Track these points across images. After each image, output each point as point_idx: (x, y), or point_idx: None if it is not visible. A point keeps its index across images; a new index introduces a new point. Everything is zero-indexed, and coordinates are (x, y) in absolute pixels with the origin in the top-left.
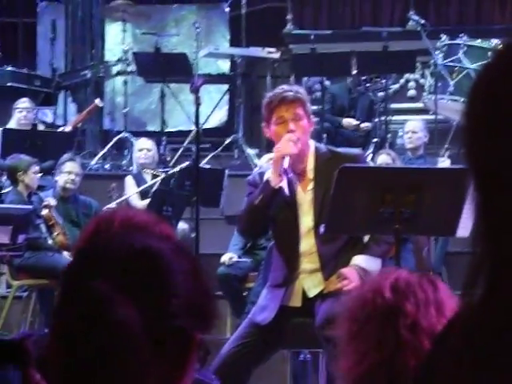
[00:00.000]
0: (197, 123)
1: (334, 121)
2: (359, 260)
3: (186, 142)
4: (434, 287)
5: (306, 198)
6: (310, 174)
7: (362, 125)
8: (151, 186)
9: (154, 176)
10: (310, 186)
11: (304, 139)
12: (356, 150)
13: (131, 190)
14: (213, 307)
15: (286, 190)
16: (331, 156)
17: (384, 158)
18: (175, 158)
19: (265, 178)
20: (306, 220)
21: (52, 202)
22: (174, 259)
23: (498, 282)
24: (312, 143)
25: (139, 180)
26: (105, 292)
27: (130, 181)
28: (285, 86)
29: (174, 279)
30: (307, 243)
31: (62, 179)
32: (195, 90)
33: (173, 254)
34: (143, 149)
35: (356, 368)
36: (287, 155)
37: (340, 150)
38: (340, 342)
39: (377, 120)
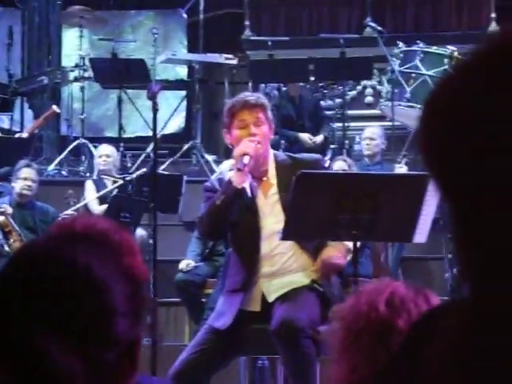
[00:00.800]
0: (154, 129)
1: (289, 135)
2: (332, 250)
3: (149, 148)
4: (429, 304)
5: (267, 202)
6: (272, 179)
7: (315, 139)
8: (110, 192)
9: (115, 182)
10: (272, 190)
11: (265, 144)
12: (315, 156)
13: (90, 194)
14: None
15: (249, 192)
16: (291, 162)
17: (340, 165)
18: (136, 164)
19: (227, 177)
20: (267, 224)
21: (8, 209)
22: (107, 274)
23: (477, 288)
24: (270, 150)
25: (99, 185)
26: (42, 346)
27: (89, 185)
28: (247, 93)
29: (111, 298)
30: (267, 246)
31: (18, 185)
32: (152, 96)
33: (106, 267)
34: (102, 155)
35: (348, 377)
36: (247, 153)
37: (299, 155)
38: (333, 349)
39: (334, 126)
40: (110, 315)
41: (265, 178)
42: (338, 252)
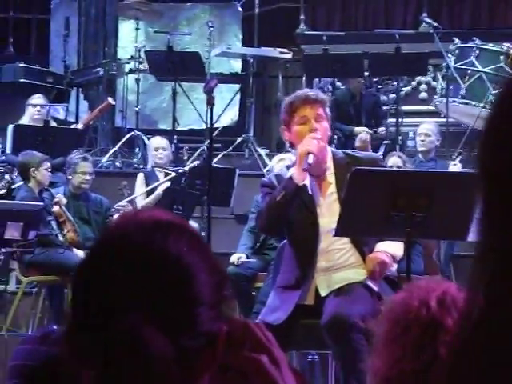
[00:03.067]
0: (211, 123)
1: (344, 129)
2: (384, 246)
3: (206, 142)
4: None
5: (325, 201)
6: (330, 178)
7: (378, 130)
8: (162, 184)
9: (167, 175)
10: (330, 189)
11: (326, 140)
12: (374, 154)
13: (139, 188)
14: (230, 299)
15: (309, 189)
16: (349, 160)
17: (395, 161)
18: (193, 157)
19: (288, 174)
20: (324, 222)
21: (63, 199)
22: (195, 263)
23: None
24: (328, 148)
25: (151, 178)
26: (134, 327)
27: (139, 179)
28: (305, 89)
29: (198, 287)
30: (324, 242)
31: (76, 179)
32: (209, 91)
33: (194, 256)
34: (159, 148)
35: (387, 370)
36: (311, 152)
37: (357, 153)
38: (377, 340)
39: (388, 122)
40: (195, 304)
41: (324, 177)
42: (385, 252)
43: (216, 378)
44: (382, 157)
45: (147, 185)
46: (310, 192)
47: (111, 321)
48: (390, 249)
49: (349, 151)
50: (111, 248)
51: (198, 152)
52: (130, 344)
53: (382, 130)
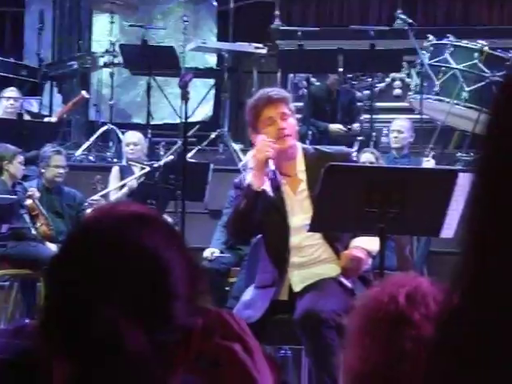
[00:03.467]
0: (185, 118)
1: (319, 126)
2: (360, 242)
3: (192, 131)
4: None
5: (296, 198)
6: (301, 175)
7: (352, 126)
8: (135, 179)
9: (142, 169)
10: (301, 187)
11: (296, 136)
12: (345, 149)
13: (113, 181)
14: (207, 293)
15: (270, 192)
16: (320, 156)
17: (368, 157)
18: (170, 152)
19: (246, 182)
20: (297, 220)
21: (36, 193)
22: (171, 257)
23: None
24: (299, 145)
25: (126, 172)
26: (110, 322)
27: (114, 172)
28: (267, 88)
29: (174, 281)
30: (297, 239)
31: (49, 173)
32: (184, 85)
33: (170, 249)
34: (130, 143)
35: (359, 365)
36: (269, 157)
37: (327, 149)
38: (349, 336)
39: (362, 118)
40: (171, 298)
41: (294, 174)
42: (360, 248)
43: (188, 366)
44: (353, 152)
45: (122, 179)
46: (271, 194)
47: (86, 315)
48: (366, 245)
49: (319, 147)
50: (86, 240)
51: (175, 147)
52: (106, 338)
53: (356, 126)
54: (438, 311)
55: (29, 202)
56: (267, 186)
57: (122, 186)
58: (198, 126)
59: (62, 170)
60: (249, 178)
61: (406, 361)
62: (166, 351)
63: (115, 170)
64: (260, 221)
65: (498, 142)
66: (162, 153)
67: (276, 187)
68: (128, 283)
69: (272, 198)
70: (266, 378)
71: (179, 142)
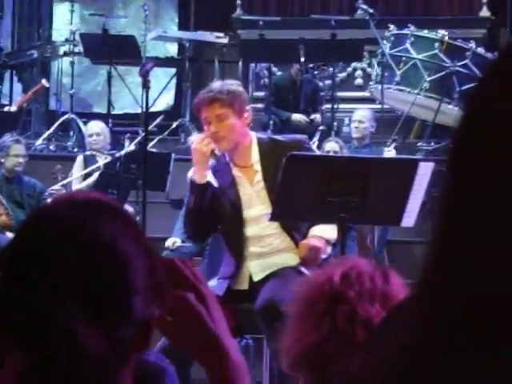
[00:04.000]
0: (146, 107)
1: (281, 115)
2: (318, 231)
3: (157, 121)
4: (386, 280)
5: (253, 189)
6: (256, 166)
7: (313, 116)
8: (98, 168)
9: (106, 159)
10: (257, 177)
11: (234, 137)
12: (298, 136)
13: (77, 170)
14: (168, 291)
15: (214, 182)
16: (274, 145)
17: (332, 146)
18: (134, 142)
19: (188, 177)
20: (254, 211)
21: None
22: (130, 248)
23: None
24: (253, 135)
25: (90, 162)
26: (66, 321)
27: (78, 162)
28: (213, 84)
29: (133, 274)
30: (256, 229)
31: (9, 162)
32: (144, 74)
33: (128, 240)
34: (93, 134)
35: (294, 346)
36: (204, 152)
37: (281, 137)
38: (287, 319)
39: (323, 108)
40: (130, 291)
41: (250, 165)
42: (319, 237)
43: None
44: (307, 139)
45: (86, 168)
46: (215, 185)
47: (40, 310)
48: (324, 233)
49: (274, 136)
50: (40, 229)
51: (138, 139)
52: (62, 337)
53: (318, 117)
54: (374, 289)
55: None
56: (211, 178)
57: (85, 176)
58: (162, 116)
59: (21, 159)
60: (190, 173)
61: (339, 338)
62: (123, 347)
63: (79, 159)
64: (215, 214)
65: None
66: (127, 143)
67: (230, 181)
68: (85, 279)
69: (227, 192)
70: (222, 327)
71: (143, 133)
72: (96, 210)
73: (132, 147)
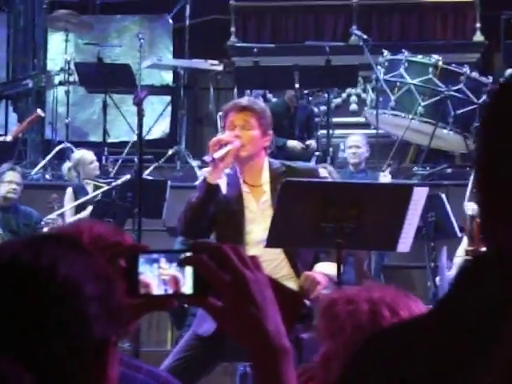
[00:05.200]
0: (140, 135)
1: (277, 141)
2: (323, 267)
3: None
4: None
5: (258, 208)
6: (265, 187)
7: (308, 142)
8: (93, 197)
9: (96, 187)
10: (264, 197)
11: (252, 149)
12: (311, 166)
13: (68, 203)
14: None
15: (223, 189)
16: (286, 169)
17: (321, 172)
18: (115, 168)
19: (202, 175)
20: (256, 230)
21: None
22: (78, 273)
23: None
24: (266, 158)
25: (80, 192)
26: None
27: (68, 194)
28: (246, 97)
29: (88, 308)
30: (255, 253)
31: (3, 189)
32: (139, 102)
33: (76, 265)
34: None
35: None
36: (223, 143)
37: (294, 164)
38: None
39: (319, 133)
40: (79, 318)
41: (258, 185)
42: (322, 274)
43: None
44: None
45: (76, 199)
46: (223, 192)
47: None
48: (328, 270)
49: (286, 162)
50: None
51: (118, 163)
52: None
53: (313, 143)
54: None
55: None
56: (223, 183)
57: (78, 206)
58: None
59: (15, 186)
60: (205, 170)
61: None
62: (73, 374)
63: (69, 190)
64: (217, 224)
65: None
66: (110, 169)
67: (237, 195)
68: (18, 313)
69: (232, 204)
70: (268, 311)
71: (123, 159)
72: (37, 242)
73: (127, 176)
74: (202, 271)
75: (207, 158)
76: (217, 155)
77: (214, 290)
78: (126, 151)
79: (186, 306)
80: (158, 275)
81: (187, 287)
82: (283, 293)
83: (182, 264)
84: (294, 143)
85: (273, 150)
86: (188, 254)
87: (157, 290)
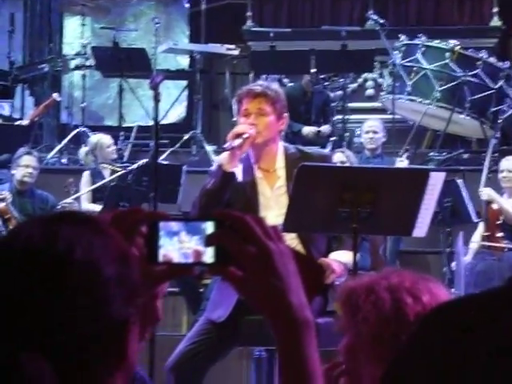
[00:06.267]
0: (156, 120)
1: (293, 126)
2: (338, 255)
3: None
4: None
5: (272, 194)
6: (280, 172)
7: (322, 128)
8: (109, 181)
9: (113, 171)
10: (279, 183)
11: (268, 135)
12: (325, 151)
13: (85, 186)
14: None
15: (239, 176)
16: (301, 155)
17: (338, 156)
18: (126, 152)
19: (216, 161)
20: (271, 216)
21: (8, 196)
22: (99, 253)
23: None
24: (280, 143)
25: (96, 176)
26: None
27: (85, 178)
28: (260, 82)
29: (106, 290)
30: None
31: (19, 173)
32: (154, 87)
33: (97, 247)
34: (110, 145)
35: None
36: (240, 134)
37: (309, 149)
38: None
39: (334, 118)
40: (97, 301)
41: (273, 170)
42: (339, 262)
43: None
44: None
45: (93, 183)
46: (239, 179)
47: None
48: (343, 258)
49: (301, 147)
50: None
51: (128, 148)
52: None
53: (325, 128)
54: None
55: (1, 205)
56: (238, 170)
57: (95, 190)
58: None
59: (31, 170)
60: (221, 157)
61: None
62: (87, 364)
63: (86, 174)
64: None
65: None
66: (125, 153)
67: (251, 181)
68: (37, 302)
69: (246, 190)
70: (291, 284)
71: (152, 145)
72: (52, 223)
73: (144, 160)
74: (225, 243)
75: (227, 146)
76: (235, 143)
77: (236, 260)
78: (137, 135)
79: (201, 290)
80: (178, 248)
81: (208, 256)
82: (305, 264)
83: (207, 244)
84: (308, 129)
85: (288, 134)
86: (209, 222)
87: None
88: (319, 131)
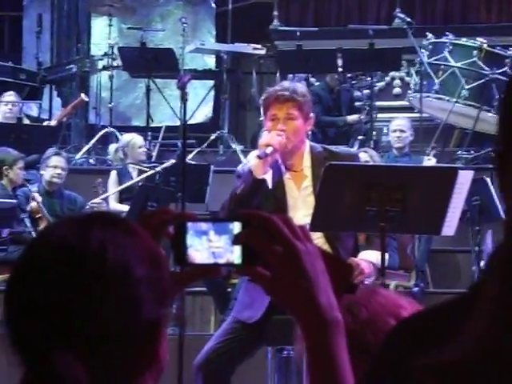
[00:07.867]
0: (184, 120)
1: (336, 121)
2: (367, 255)
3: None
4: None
5: (299, 194)
6: (307, 172)
7: (361, 115)
8: (136, 182)
9: (140, 171)
10: (305, 183)
11: (296, 138)
12: (352, 150)
13: (112, 186)
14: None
15: (269, 183)
16: (327, 155)
17: (362, 156)
18: (154, 152)
19: (248, 166)
20: (298, 216)
21: (37, 196)
22: (133, 257)
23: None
24: (307, 142)
25: (124, 175)
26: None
27: (112, 177)
28: (285, 83)
29: (138, 290)
30: None
31: (47, 173)
32: (182, 87)
33: (125, 247)
34: (142, 146)
35: None
36: (271, 145)
37: (335, 148)
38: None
39: (362, 117)
40: (129, 302)
41: (299, 170)
42: (368, 262)
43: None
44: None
45: (120, 183)
46: (269, 185)
47: (35, 349)
48: (372, 258)
49: (327, 146)
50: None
51: (156, 148)
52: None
53: (363, 114)
54: None
55: (33, 204)
56: (268, 177)
57: (122, 190)
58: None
59: (59, 171)
60: (252, 163)
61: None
62: (121, 365)
63: (113, 174)
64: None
65: None
66: (153, 153)
67: (279, 182)
68: (68, 301)
69: (274, 192)
70: (320, 284)
71: (179, 145)
72: (85, 225)
73: (172, 161)
74: (253, 244)
75: (260, 154)
76: (268, 151)
77: (264, 261)
78: (165, 135)
79: (229, 290)
80: (207, 248)
81: (236, 256)
82: (334, 264)
83: (234, 243)
84: (352, 118)
85: (316, 134)
86: (236, 223)
87: (206, 262)
88: (360, 117)
